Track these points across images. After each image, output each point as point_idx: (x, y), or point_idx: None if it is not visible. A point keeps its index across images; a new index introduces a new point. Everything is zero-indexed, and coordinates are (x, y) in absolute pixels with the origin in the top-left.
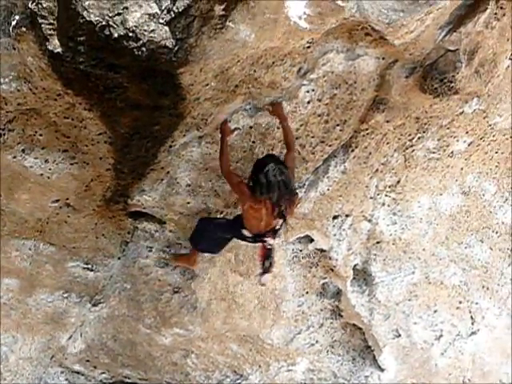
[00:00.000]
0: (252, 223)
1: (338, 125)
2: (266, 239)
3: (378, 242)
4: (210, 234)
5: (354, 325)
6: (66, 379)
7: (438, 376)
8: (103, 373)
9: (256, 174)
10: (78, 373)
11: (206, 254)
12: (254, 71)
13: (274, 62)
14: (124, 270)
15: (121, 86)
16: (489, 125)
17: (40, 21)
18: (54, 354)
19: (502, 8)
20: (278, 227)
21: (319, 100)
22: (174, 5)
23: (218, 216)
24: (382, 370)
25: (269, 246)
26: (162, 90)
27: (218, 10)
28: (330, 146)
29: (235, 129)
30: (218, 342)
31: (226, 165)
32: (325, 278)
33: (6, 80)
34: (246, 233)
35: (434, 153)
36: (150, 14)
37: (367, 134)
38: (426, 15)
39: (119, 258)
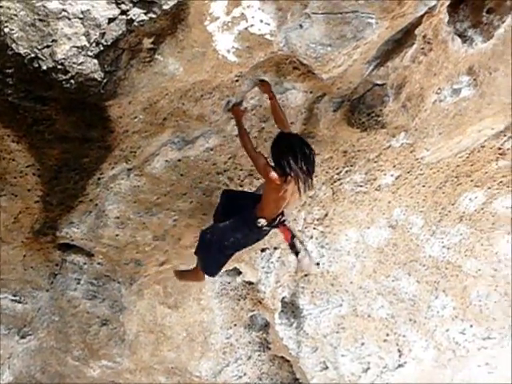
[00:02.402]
0: (272, 207)
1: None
2: (283, 219)
3: (305, 275)
4: (216, 242)
5: (281, 357)
6: None
7: None
8: None
9: (283, 149)
10: None
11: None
12: (183, 104)
13: (202, 95)
14: (52, 302)
15: (49, 118)
16: (416, 159)
17: None
18: None
19: (429, 43)
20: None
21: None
22: (102, 37)
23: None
24: None
25: (288, 224)
26: (90, 122)
27: (147, 43)
28: (258, 179)
29: (245, 108)
30: (146, 374)
31: (250, 145)
32: (253, 310)
33: None
34: (262, 222)
35: (361, 186)
36: (78, 47)
37: None
38: (354, 50)
39: (47, 290)
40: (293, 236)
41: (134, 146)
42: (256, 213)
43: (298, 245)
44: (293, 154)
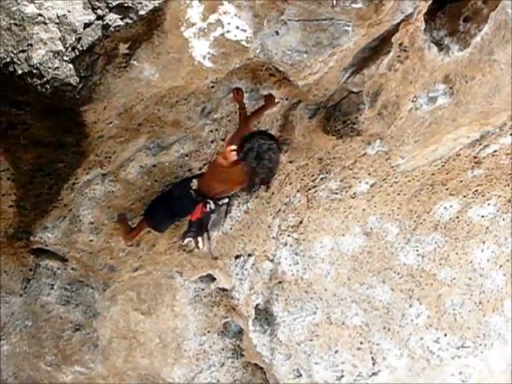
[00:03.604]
0: (211, 182)
1: None
2: (208, 201)
3: (279, 282)
4: (165, 200)
5: (255, 364)
6: None
7: None
8: None
9: (253, 140)
10: None
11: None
12: (158, 110)
13: (177, 101)
14: (25, 307)
15: (24, 123)
16: (391, 166)
17: None
18: None
19: (405, 51)
20: (222, 201)
21: (223, 140)
22: (78, 42)
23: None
24: None
25: (207, 210)
26: (65, 127)
27: (123, 48)
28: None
29: (278, 101)
30: (119, 380)
31: (254, 118)
32: (226, 317)
33: None
34: (194, 183)
35: (336, 193)
36: (54, 52)
37: None
38: (330, 57)
39: (21, 295)
40: (203, 223)
41: (108, 151)
42: (196, 176)
43: (194, 229)
44: (259, 158)
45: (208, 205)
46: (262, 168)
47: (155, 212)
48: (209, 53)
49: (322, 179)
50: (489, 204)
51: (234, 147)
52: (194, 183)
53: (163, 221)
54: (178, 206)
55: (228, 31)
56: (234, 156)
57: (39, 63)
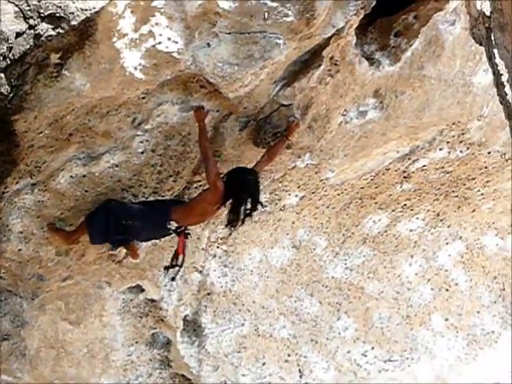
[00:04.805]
0: (194, 217)
1: (171, 176)
2: (188, 231)
3: (208, 294)
4: (115, 217)
5: (182, 375)
6: None
7: None
8: None
9: (240, 179)
10: None
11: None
12: (89, 120)
13: (108, 112)
14: None
15: None
16: (321, 180)
17: None
18: None
19: (335, 64)
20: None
21: (153, 151)
22: (9, 52)
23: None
24: None
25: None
26: None
27: (54, 58)
28: (162, 196)
29: (208, 110)
30: None
31: (209, 150)
32: (155, 328)
33: None
34: (172, 225)
35: (265, 206)
36: None
37: (200, 185)
38: (261, 70)
39: None
40: (183, 251)
41: (38, 160)
42: (171, 214)
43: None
44: (251, 195)
45: (188, 235)
46: (249, 203)
47: (97, 224)
48: (140, 64)
49: None
50: (417, 218)
51: (221, 184)
52: (173, 225)
53: (101, 237)
54: (145, 236)
55: (159, 42)
56: (222, 194)
57: None
